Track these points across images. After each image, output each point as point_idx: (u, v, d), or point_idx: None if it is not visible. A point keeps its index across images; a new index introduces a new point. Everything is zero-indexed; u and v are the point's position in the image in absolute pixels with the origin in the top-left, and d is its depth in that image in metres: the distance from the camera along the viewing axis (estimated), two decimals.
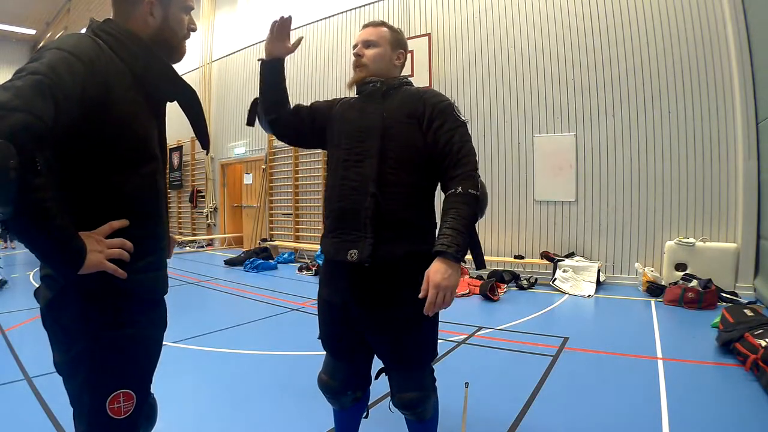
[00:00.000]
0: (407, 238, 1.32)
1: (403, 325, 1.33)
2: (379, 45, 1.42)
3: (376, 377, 1.51)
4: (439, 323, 1.44)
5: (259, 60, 1.48)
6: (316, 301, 1.52)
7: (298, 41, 1.47)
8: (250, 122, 1.55)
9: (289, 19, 1.42)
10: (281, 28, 1.41)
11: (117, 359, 0.96)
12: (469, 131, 1.37)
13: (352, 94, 1.52)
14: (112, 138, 0.93)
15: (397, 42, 1.46)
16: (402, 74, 1.50)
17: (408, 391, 1.37)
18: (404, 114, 1.34)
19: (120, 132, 0.94)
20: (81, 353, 0.94)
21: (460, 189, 1.26)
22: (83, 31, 1.02)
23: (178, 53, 1.10)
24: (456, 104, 1.38)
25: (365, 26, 1.46)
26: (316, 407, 2.21)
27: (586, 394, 2.37)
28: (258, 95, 1.52)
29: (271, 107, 1.49)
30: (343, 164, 1.38)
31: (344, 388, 1.47)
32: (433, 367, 1.47)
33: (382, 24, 1.46)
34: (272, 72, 1.46)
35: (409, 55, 1.56)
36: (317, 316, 1.51)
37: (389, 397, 1.45)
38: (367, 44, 1.43)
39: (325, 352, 1.53)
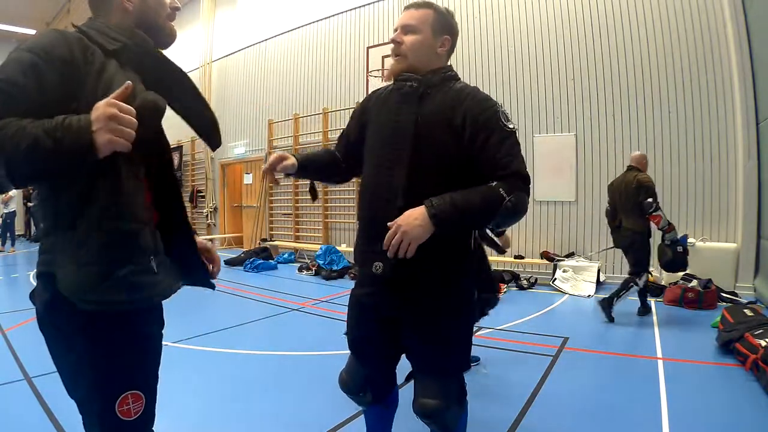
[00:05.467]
0: (435, 254, 1.22)
1: (434, 330, 1.29)
2: (419, 31, 1.27)
3: (405, 381, 1.45)
4: None
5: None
6: (348, 300, 1.47)
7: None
8: (315, 198, 1.65)
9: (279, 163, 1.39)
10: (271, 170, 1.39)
11: (122, 360, 0.94)
12: (518, 137, 1.25)
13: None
14: None
15: (441, 26, 1.29)
16: (447, 63, 1.36)
17: (428, 397, 1.29)
18: (441, 121, 1.22)
19: None
20: (83, 356, 0.91)
21: (494, 183, 1.16)
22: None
23: (167, 34, 1.07)
24: (503, 109, 1.24)
25: (406, 8, 1.31)
26: (315, 407, 2.22)
27: (586, 394, 2.37)
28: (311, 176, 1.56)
29: (333, 177, 1.57)
30: (374, 169, 1.31)
31: (363, 390, 1.44)
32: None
33: (425, 5, 1.29)
34: (305, 173, 1.46)
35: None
36: (347, 313, 1.47)
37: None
38: (406, 29, 1.28)
39: (349, 352, 1.48)
